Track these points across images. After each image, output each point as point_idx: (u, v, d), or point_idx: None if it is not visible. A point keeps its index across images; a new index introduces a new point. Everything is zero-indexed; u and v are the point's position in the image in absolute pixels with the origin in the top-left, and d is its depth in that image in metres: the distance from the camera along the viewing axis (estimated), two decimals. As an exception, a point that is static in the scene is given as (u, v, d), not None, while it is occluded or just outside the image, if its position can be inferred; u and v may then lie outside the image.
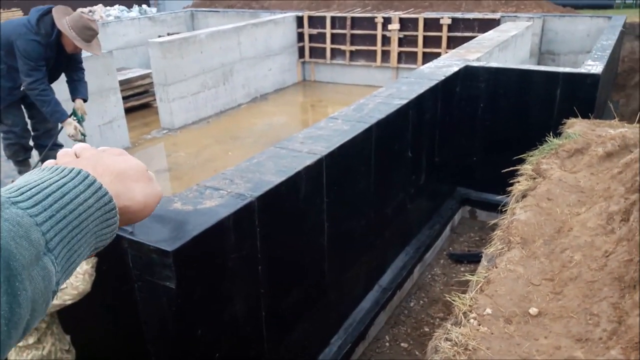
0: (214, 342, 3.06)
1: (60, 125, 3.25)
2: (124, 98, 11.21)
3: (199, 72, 10.57)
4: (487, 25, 11.14)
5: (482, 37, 8.62)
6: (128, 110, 11.01)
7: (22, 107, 3.40)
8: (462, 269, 5.99)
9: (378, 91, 5.39)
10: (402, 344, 4.89)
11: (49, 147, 3.54)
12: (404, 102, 4.97)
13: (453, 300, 2.60)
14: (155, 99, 10.74)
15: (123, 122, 9.33)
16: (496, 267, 2.51)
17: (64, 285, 2.65)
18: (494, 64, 6.39)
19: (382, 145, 4.66)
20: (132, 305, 2.93)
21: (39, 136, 3.45)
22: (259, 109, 11.86)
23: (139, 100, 11.63)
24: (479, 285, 2.42)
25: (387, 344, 4.89)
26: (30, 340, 2.76)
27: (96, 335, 3.35)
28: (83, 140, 3.32)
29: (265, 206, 3.22)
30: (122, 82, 10.68)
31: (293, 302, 3.82)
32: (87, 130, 8.70)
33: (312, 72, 13.83)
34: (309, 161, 3.65)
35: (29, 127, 3.42)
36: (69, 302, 2.66)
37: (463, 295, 2.43)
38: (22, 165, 3.36)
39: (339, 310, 4.57)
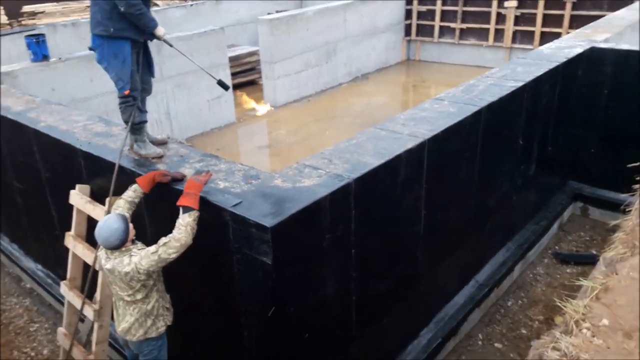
0: (304, 320, 3.07)
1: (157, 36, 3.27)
2: (233, 74, 11.67)
3: (303, 50, 10.65)
4: (618, 3, 10.01)
5: (611, 15, 7.75)
6: (235, 87, 11.45)
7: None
8: (568, 270, 5.51)
9: (490, 72, 5.04)
10: (496, 344, 4.61)
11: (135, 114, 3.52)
12: (519, 84, 4.60)
13: (563, 306, 2.36)
14: (260, 76, 11.01)
15: (230, 98, 9.68)
16: (616, 274, 2.24)
17: (167, 239, 2.79)
18: (624, 46, 5.71)
19: (491, 131, 4.36)
20: (230, 276, 3.02)
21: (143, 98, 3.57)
22: (359, 88, 11.73)
23: (246, 77, 11.99)
24: (595, 292, 2.16)
25: (480, 342, 4.64)
26: (139, 296, 2.95)
27: (194, 299, 3.51)
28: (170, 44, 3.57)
29: (362, 188, 3.14)
30: (231, 59, 11.07)
31: (384, 288, 3.73)
32: (196, 105, 9.18)
33: (417, 51, 13.39)
34: (410, 144, 3.51)
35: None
36: (174, 256, 2.79)
37: (574, 301, 2.19)
38: (140, 130, 3.54)
39: (431, 302, 4.40)
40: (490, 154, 4.47)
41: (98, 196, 3.86)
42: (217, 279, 3.22)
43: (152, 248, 2.81)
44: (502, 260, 5.16)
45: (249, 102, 10.56)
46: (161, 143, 3.83)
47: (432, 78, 12.42)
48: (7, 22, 11.38)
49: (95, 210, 3.73)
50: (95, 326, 3.86)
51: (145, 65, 3.49)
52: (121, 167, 3.51)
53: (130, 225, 2.93)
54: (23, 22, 11.57)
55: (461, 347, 4.56)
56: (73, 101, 7.47)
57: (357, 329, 3.51)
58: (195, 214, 2.81)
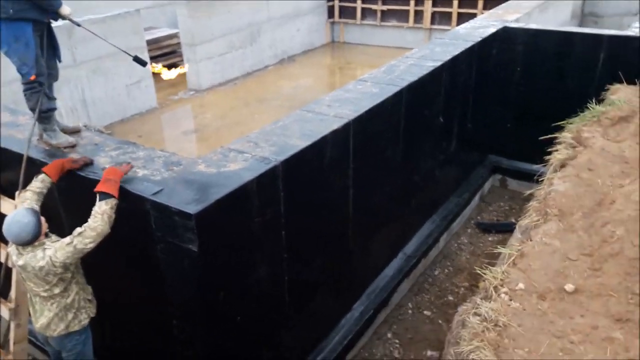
0: (235, 306, 3.03)
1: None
2: (152, 58, 11.16)
3: (226, 31, 10.39)
4: (527, -16, 10.55)
5: (521, -4, 8.15)
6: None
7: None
8: (490, 239, 5.85)
9: (410, 52, 5.16)
10: (425, 312, 4.83)
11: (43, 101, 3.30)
12: (438, 64, 4.74)
13: (482, 273, 2.49)
14: (182, 60, 10.63)
15: (150, 82, 9.28)
16: (531, 240, 2.38)
17: (82, 229, 2.65)
18: (533, 26, 6.04)
19: (413, 110, 4.47)
20: (155, 265, 2.91)
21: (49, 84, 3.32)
22: (286, 71, 11.65)
23: (167, 61, 11.48)
24: (512, 259, 2.29)
25: (410, 311, 4.84)
26: (56, 290, 2.78)
27: (120, 290, 3.37)
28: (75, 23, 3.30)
29: (289, 171, 3.13)
30: (149, 42, 10.58)
31: (317, 267, 3.77)
32: (114, 90, 8.72)
33: (342, 33, 13.47)
34: (335, 125, 3.52)
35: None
36: (91, 246, 2.65)
37: (493, 268, 2.31)
38: (48, 119, 3.29)
39: (363, 277, 4.51)
40: (413, 132, 4.60)
41: (7, 190, 3.58)
42: (142, 268, 3.10)
43: (67, 239, 2.65)
44: (428, 232, 5.37)
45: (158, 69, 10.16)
46: (74, 131, 3.60)
47: (356, 60, 12.55)
48: None
49: (5, 206, 3.46)
50: (12, 325, 3.62)
51: (50, 48, 3.24)
52: (30, 159, 3.27)
53: (42, 218, 2.75)
54: None
55: (392, 317, 4.73)
56: (-27, 89, 6.86)
57: (291, 310, 3.53)
58: (112, 201, 2.68)
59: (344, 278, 4.15)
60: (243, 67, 11.11)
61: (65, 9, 3.19)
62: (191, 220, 2.56)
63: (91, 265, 3.03)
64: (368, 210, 4.23)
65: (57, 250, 2.63)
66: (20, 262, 2.70)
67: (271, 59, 11.84)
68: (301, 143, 3.27)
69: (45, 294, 2.78)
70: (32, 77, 3.15)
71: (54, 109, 3.39)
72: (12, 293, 3.49)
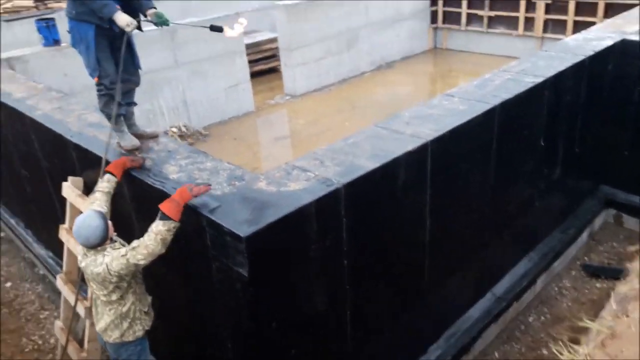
0: (289, 337, 2.87)
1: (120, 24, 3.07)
2: (253, 61, 11.48)
3: (323, 37, 10.36)
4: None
5: (650, 3, 7.19)
6: (257, 74, 11.25)
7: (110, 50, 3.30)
8: (597, 285, 5.05)
9: (509, 65, 4.68)
10: (514, 365, 4.31)
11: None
12: (539, 80, 4.24)
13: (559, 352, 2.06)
14: (281, 64, 10.78)
15: (248, 85, 9.50)
16: (627, 317, 1.93)
17: (137, 243, 2.63)
18: (662, 38, 5.23)
19: (508, 131, 4.03)
20: (211, 284, 2.84)
21: (127, 90, 3.40)
22: (384, 77, 11.38)
23: (267, 64, 11.79)
24: (600, 338, 1.87)
25: (496, 362, 4.34)
26: (114, 297, 2.81)
27: (177, 304, 3.36)
28: (139, 28, 3.15)
29: (354, 194, 2.90)
30: (250, 45, 10.88)
31: (385, 301, 3.49)
32: (213, 93, 9.02)
33: (445, 39, 12.90)
34: (411, 146, 3.23)
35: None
36: (142, 263, 2.63)
37: (575, 346, 1.91)
38: (117, 122, 3.41)
39: (441, 316, 4.13)
40: (507, 156, 4.14)
41: (91, 189, 3.74)
42: (199, 284, 3.04)
43: (123, 250, 2.65)
44: (523, 272, 4.81)
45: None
46: (151, 137, 3.66)
47: (459, 68, 11.94)
48: (34, 4, 11.41)
49: (84, 205, 3.60)
50: (87, 324, 3.77)
51: (128, 55, 3.27)
52: (107, 162, 3.38)
53: (109, 222, 2.78)
54: (49, 5, 11.59)
55: (474, 366, 4.28)
56: (86, 88, 7.38)
57: (353, 345, 3.29)
58: (171, 224, 2.60)
59: (417, 315, 3.80)
60: (339, 73, 11.01)
61: (120, 18, 3.03)
62: (242, 242, 2.44)
63: (154, 275, 3.05)
64: (449, 242, 3.86)
65: (114, 259, 2.65)
66: (83, 264, 2.76)
67: (368, 65, 11.64)
68: (369, 164, 3.03)
69: (104, 299, 2.82)
70: (95, 79, 3.23)
71: (122, 114, 3.45)
72: (89, 292, 3.64)
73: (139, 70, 3.47)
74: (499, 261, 4.62)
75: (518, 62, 4.76)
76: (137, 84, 3.50)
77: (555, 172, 4.96)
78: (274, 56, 11.70)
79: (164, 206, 2.61)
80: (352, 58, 11.22)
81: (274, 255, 2.62)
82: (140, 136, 3.57)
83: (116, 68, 3.19)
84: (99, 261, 2.68)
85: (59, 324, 4.10)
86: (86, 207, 3.53)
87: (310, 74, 10.44)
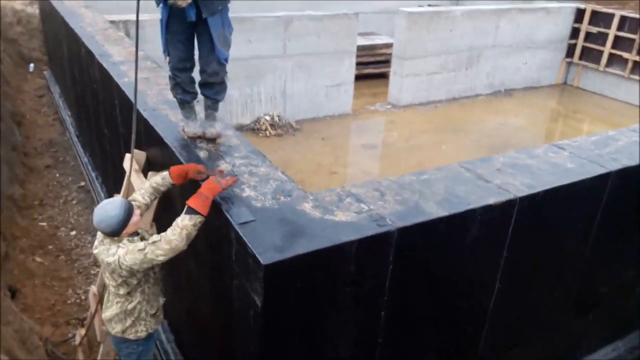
0: (301, 377, 2.53)
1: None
2: (363, 63, 11.17)
3: (442, 51, 9.76)
4: None
5: None
6: (365, 77, 10.94)
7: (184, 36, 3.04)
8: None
9: (642, 125, 3.93)
10: None
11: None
12: (677, 150, 3.48)
13: None
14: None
15: (350, 87, 9.21)
16: None
17: (158, 237, 2.42)
18: None
19: (620, 203, 3.35)
20: (230, 299, 2.58)
21: (204, 82, 3.11)
22: (499, 104, 10.53)
23: (377, 69, 11.42)
24: None
25: None
26: (121, 291, 2.65)
27: (204, 302, 3.14)
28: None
29: (409, 241, 2.48)
30: (365, 47, 10.57)
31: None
32: (314, 89, 8.83)
33: (578, 77, 11.69)
34: (493, 199, 2.73)
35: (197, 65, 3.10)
36: (161, 259, 2.42)
37: None
38: (183, 107, 3.23)
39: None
40: (614, 230, 3.46)
41: (153, 165, 3.65)
42: (222, 292, 2.78)
43: (141, 244, 2.45)
44: (601, 360, 4.09)
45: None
46: (215, 138, 3.36)
47: (588, 111, 10.75)
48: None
49: (137, 182, 3.51)
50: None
51: (207, 43, 3.05)
52: (165, 143, 3.24)
53: (135, 219, 2.59)
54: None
55: None
56: (193, 61, 7.55)
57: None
58: (197, 219, 2.38)
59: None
60: (450, 90, 10.37)
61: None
62: (261, 270, 2.13)
63: (186, 268, 2.85)
64: (517, 315, 3.29)
65: (128, 252, 2.46)
66: (96, 251, 2.61)
67: (485, 89, 10.85)
68: (436, 210, 2.58)
69: (113, 289, 2.67)
70: (165, 60, 3.07)
71: (187, 101, 3.26)
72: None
73: (222, 62, 3.09)
74: (573, 344, 3.92)
75: (655, 122, 3.98)
76: (213, 75, 3.13)
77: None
78: (387, 62, 11.28)
79: (192, 201, 2.39)
80: (469, 78, 10.51)
81: (296, 290, 2.28)
82: (203, 136, 3.32)
83: (187, 54, 3.02)
84: (112, 251, 2.51)
85: (93, 289, 4.09)
86: (138, 186, 3.43)
87: (419, 87, 9.91)
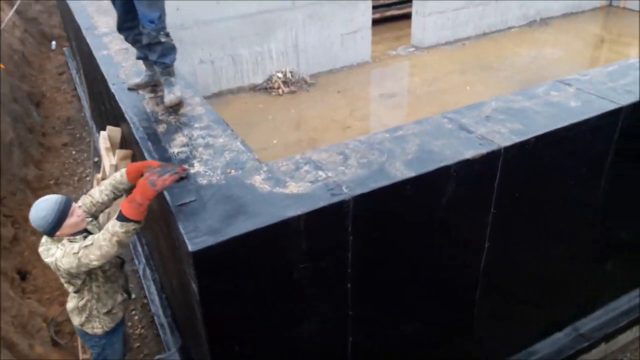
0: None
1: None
2: (386, 5, 10.51)
3: (467, -18, 8.98)
4: None
5: None
6: (387, 20, 10.31)
7: None
8: None
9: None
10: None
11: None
12: None
13: None
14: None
15: (368, 33, 8.66)
16: None
17: (90, 241, 2.27)
18: None
19: (637, 141, 2.91)
20: (187, 284, 2.44)
21: (144, 44, 2.97)
22: (533, 35, 9.67)
23: (401, 10, 10.71)
24: None
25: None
26: (70, 289, 2.57)
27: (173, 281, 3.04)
28: None
29: (369, 209, 2.22)
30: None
31: (413, 337, 2.80)
32: (328, 39, 8.37)
33: (625, -4, 10.55)
34: (471, 152, 2.39)
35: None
36: (95, 264, 2.29)
37: None
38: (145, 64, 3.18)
39: (495, 351, 3.32)
40: (632, 170, 3.04)
41: (128, 143, 3.52)
42: (181, 277, 2.65)
43: (76, 247, 2.30)
44: (626, 307, 3.74)
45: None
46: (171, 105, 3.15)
47: (635, 33, 9.68)
48: None
49: (107, 160, 3.39)
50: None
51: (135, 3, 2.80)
52: (125, 118, 3.07)
53: (73, 220, 2.41)
54: None
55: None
56: (196, 23, 7.28)
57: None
58: (130, 226, 2.17)
59: (460, 353, 3.07)
60: (479, 25, 9.59)
61: None
62: (190, 256, 1.95)
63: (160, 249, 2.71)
64: (517, 271, 3.00)
65: (65, 255, 2.32)
66: (40, 249, 2.49)
67: (518, 20, 9.96)
68: (402, 172, 2.29)
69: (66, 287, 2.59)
70: None
71: (141, 58, 3.13)
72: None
73: (149, 24, 2.89)
74: (593, 292, 3.59)
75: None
76: (147, 36, 2.93)
77: None
78: (411, 0, 10.57)
79: (124, 207, 2.17)
80: (500, 9, 9.66)
81: (239, 274, 2.09)
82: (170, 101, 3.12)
83: (125, 14, 2.79)
84: (52, 252, 2.39)
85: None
86: (106, 165, 3.31)
87: (444, 24, 9.21)
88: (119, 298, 2.77)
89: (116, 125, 3.72)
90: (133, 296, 4.90)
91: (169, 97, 3.01)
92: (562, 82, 3.03)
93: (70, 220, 2.39)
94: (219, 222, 2.05)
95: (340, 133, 6.60)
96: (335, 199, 2.14)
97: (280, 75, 7.86)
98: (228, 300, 2.12)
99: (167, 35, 2.92)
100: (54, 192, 5.92)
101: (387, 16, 10.42)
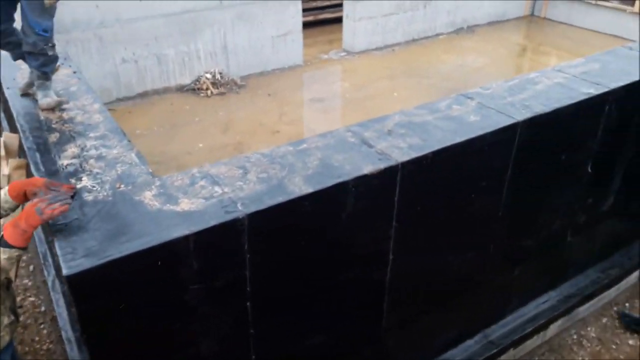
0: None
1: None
2: (320, 8, 10.55)
3: (396, -11, 9.16)
4: None
5: None
6: (320, 23, 10.35)
7: None
8: (631, 342, 4.11)
9: (567, 64, 3.55)
10: None
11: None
12: (598, 92, 3.13)
13: None
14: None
15: (299, 36, 8.65)
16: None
17: None
18: None
19: (534, 153, 3.04)
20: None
21: (26, 51, 2.79)
22: (459, 43, 10.01)
23: (334, 13, 10.78)
24: None
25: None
26: None
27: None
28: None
29: (265, 227, 2.17)
30: (317, -10, 9.93)
31: (319, 346, 2.79)
32: (258, 41, 8.29)
33: (545, 7, 11.11)
34: (369, 168, 2.40)
35: None
36: None
37: None
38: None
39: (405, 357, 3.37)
40: (532, 182, 3.17)
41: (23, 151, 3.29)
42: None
43: None
44: (533, 314, 3.90)
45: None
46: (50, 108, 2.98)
47: (555, 43, 10.25)
48: None
49: (3, 169, 3.15)
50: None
51: (22, 8, 2.61)
52: (16, 126, 2.88)
53: None
54: None
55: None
56: (118, 21, 6.99)
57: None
58: (14, 252, 2.01)
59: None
60: (408, 32, 9.81)
61: None
62: (66, 280, 1.83)
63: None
64: (423, 280, 3.05)
65: None
66: None
67: (446, 27, 10.29)
68: (300, 188, 2.26)
69: None
70: None
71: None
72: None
73: (40, 33, 2.72)
74: (500, 299, 3.72)
75: (583, 61, 3.60)
76: (32, 45, 2.75)
77: (605, 203, 3.86)
78: (340, 5, 10.65)
79: (7, 232, 2.00)
80: (428, 17, 9.93)
81: (121, 298, 1.97)
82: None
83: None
84: None
85: None
86: (2, 170, 3.08)
87: (374, 30, 9.36)
88: (5, 320, 2.57)
89: (15, 131, 3.48)
90: (42, 309, 4.64)
91: (46, 100, 2.86)
92: (464, 96, 3.11)
93: None
94: (98, 244, 1.93)
95: (269, 137, 6.54)
96: (229, 217, 2.08)
97: (209, 76, 7.70)
98: (111, 323, 2.00)
99: (54, 47, 2.76)
100: None
101: (320, 19, 10.47)
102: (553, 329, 4.04)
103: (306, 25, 8.99)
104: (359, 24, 9.13)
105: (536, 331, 3.87)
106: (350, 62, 9.07)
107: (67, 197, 2.05)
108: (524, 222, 3.40)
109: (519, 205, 3.20)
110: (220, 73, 7.85)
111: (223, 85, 7.73)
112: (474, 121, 2.82)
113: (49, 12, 2.62)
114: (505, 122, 2.82)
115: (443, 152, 2.57)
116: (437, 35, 10.20)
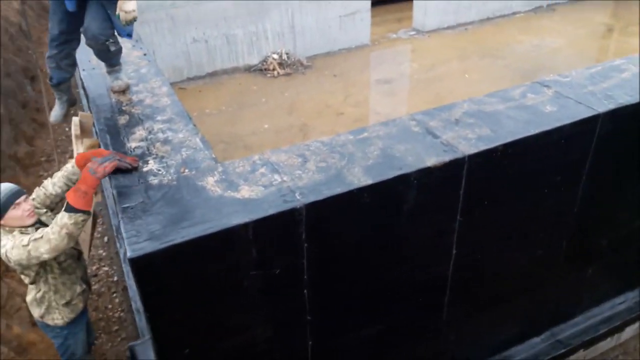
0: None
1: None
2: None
3: (472, -35, 8.72)
4: None
5: None
6: (389, 1, 10.07)
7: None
8: None
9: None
10: None
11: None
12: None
13: None
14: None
15: (367, 15, 8.46)
16: None
17: (40, 234, 2.24)
18: None
19: (618, 146, 2.81)
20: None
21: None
22: (537, 22, 9.42)
23: (405, -8, 10.45)
24: None
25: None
26: (26, 280, 2.55)
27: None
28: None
29: (323, 217, 2.15)
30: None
31: (376, 337, 2.75)
32: (325, 21, 8.20)
33: (637, -18, 10.18)
34: (433, 160, 2.31)
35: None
36: (45, 257, 2.26)
37: None
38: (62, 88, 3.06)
39: (463, 354, 3.27)
40: (611, 178, 2.94)
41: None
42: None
43: (26, 239, 2.27)
44: (608, 314, 3.67)
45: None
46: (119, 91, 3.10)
47: (645, 22, 9.41)
48: None
49: (78, 148, 3.32)
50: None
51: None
52: (90, 107, 3.01)
53: (16, 212, 2.38)
54: None
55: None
56: (189, 2, 7.13)
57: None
58: (79, 217, 2.16)
59: (430, 355, 3.03)
60: (483, 10, 9.35)
61: None
62: (130, 263, 1.90)
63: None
64: (490, 275, 2.93)
65: (15, 247, 2.29)
66: None
67: (523, 5, 9.71)
68: (359, 179, 2.21)
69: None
70: None
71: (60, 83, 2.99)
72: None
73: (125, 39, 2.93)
74: (573, 298, 3.53)
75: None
76: (112, 46, 2.91)
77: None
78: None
79: (70, 197, 2.14)
80: (506, -6, 9.41)
81: (182, 282, 2.03)
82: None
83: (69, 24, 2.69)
84: (2, 242, 2.35)
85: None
86: (75, 153, 3.24)
87: (446, 8, 8.99)
88: (78, 289, 2.75)
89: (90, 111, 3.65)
90: (115, 279, 4.91)
91: (117, 83, 3.03)
92: (540, 84, 2.91)
93: (14, 213, 2.37)
94: (162, 227, 1.99)
95: (334, 119, 6.50)
96: (287, 206, 2.07)
97: (275, 56, 7.72)
98: (173, 306, 2.07)
99: (115, 42, 2.93)
100: (44, 169, 5.93)
101: (389, -3, 10.19)
102: (629, 331, 3.79)
103: (375, 3, 8.78)
104: (430, 2, 8.81)
105: (610, 333, 3.65)
106: (420, 41, 8.79)
107: (115, 157, 2.18)
108: (601, 219, 3.17)
109: (595, 201, 2.99)
110: (287, 53, 7.85)
111: (289, 66, 7.73)
112: (550, 112, 2.63)
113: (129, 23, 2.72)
114: (585, 113, 2.61)
115: (515, 144, 2.42)
116: (514, 13, 9.66)
